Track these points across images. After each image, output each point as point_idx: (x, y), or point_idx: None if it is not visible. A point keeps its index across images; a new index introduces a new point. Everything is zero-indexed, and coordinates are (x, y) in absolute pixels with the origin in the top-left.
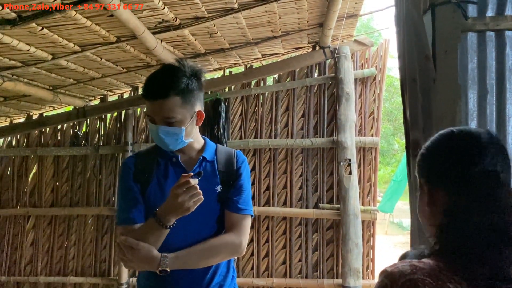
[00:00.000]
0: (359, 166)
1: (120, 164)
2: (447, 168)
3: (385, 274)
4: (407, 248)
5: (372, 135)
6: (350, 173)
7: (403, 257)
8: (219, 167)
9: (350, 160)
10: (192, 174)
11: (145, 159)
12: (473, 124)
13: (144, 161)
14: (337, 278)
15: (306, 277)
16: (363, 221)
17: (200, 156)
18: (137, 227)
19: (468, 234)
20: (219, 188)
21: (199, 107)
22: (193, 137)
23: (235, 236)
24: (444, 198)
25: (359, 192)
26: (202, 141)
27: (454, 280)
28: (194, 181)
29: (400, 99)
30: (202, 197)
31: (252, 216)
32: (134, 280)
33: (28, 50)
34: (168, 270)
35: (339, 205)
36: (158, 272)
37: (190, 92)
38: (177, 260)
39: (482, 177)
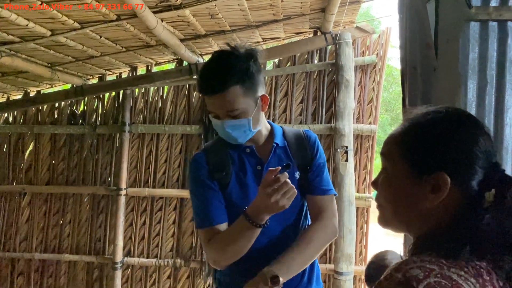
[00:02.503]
0: (355, 154)
1: (190, 161)
2: (473, 155)
3: (397, 281)
4: (399, 237)
5: (370, 123)
6: (346, 160)
7: (380, 257)
8: (292, 151)
9: (347, 147)
10: (279, 168)
11: (216, 154)
12: None
13: (216, 157)
14: (329, 263)
15: None
16: (357, 208)
17: (272, 143)
18: (222, 227)
19: (482, 232)
20: (297, 174)
21: (262, 90)
22: (260, 124)
23: (329, 220)
24: (456, 190)
25: (355, 179)
26: (269, 126)
27: (463, 278)
28: (284, 176)
29: (399, 89)
30: (296, 190)
31: (336, 195)
32: (128, 259)
33: (27, 25)
34: (281, 281)
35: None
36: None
37: (250, 77)
38: (287, 270)
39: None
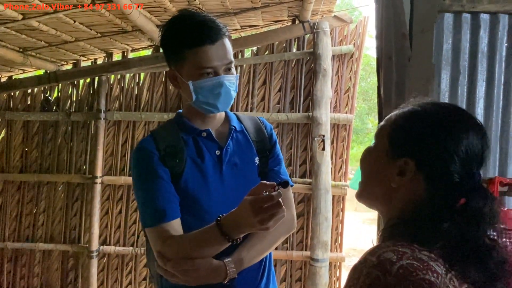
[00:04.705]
0: (332, 142)
1: (134, 149)
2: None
3: (371, 264)
4: (374, 225)
5: (346, 112)
6: (323, 149)
7: None
8: (251, 136)
9: (324, 136)
10: (275, 184)
11: (166, 139)
12: None
13: (167, 141)
14: (306, 250)
15: (276, 248)
16: (333, 196)
17: (230, 126)
18: (176, 224)
19: (447, 222)
20: (257, 160)
21: None
22: None
23: (288, 211)
24: (422, 181)
25: (331, 168)
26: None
27: (433, 259)
28: (279, 196)
29: (376, 79)
30: (285, 214)
31: (292, 185)
32: (104, 248)
33: None
34: (237, 276)
35: (311, 180)
36: (225, 283)
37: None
38: (242, 261)
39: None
